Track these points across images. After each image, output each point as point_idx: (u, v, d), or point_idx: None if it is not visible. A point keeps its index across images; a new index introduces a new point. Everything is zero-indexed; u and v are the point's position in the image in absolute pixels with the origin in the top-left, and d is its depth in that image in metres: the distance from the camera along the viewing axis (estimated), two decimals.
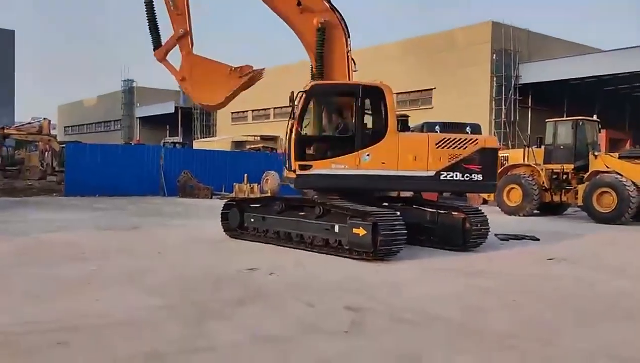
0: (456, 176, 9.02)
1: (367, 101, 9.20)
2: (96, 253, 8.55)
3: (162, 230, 11.80)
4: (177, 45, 9.70)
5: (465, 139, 9.14)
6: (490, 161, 9.30)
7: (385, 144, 9.01)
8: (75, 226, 11.89)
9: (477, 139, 9.19)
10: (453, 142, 9.08)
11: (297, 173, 9.14)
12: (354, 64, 9.93)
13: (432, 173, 9.00)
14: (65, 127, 74.50)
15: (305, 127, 9.34)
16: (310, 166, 9.10)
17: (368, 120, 9.32)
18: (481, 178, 9.07)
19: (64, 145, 26.99)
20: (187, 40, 9.64)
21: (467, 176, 9.03)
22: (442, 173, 9.01)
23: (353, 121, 9.16)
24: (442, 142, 9.07)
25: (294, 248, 9.20)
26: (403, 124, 9.64)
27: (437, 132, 9.35)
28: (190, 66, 9.75)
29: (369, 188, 9.43)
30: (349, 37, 9.80)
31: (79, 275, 6.90)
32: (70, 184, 21.46)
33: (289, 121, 9.23)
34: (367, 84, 9.24)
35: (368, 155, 8.96)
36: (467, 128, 9.54)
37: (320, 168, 9.08)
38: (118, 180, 21.70)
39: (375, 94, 9.15)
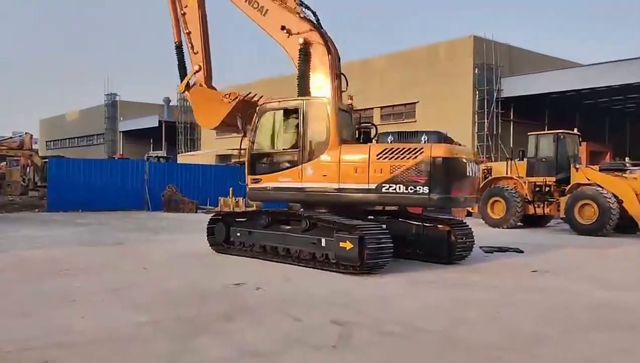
0: (399, 189, 8.43)
1: (311, 116, 9.25)
2: (80, 270, 8.46)
3: (146, 245, 11.72)
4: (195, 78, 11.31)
5: (409, 149, 8.50)
6: (439, 172, 8.34)
7: (327, 157, 9.05)
8: (58, 242, 11.76)
9: (422, 149, 8.44)
10: (395, 152, 8.56)
11: (249, 186, 9.89)
12: (346, 82, 9.96)
13: (373, 186, 8.62)
14: (47, 141, 73.73)
15: (258, 143, 9.83)
16: (260, 180, 9.74)
17: (313, 134, 9.25)
18: (427, 191, 8.31)
19: (46, 160, 26.72)
20: (201, 75, 11.19)
21: (410, 189, 8.37)
22: (383, 185, 8.53)
23: (297, 135, 9.35)
24: (384, 153, 8.64)
25: (281, 262, 9.20)
26: (365, 136, 9.77)
27: (389, 142, 9.20)
28: (197, 95, 11.34)
29: (312, 201, 9.45)
30: (335, 55, 9.82)
31: (63, 291, 6.82)
32: (52, 199, 21.24)
33: (241, 138, 10.02)
34: (309, 99, 9.41)
35: (311, 169, 9.11)
36: (423, 136, 9.06)
37: (269, 181, 9.64)
38: (101, 195, 21.53)
39: (317, 108, 9.23)
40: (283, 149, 9.61)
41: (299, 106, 9.34)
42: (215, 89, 11.29)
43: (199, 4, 11.17)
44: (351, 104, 9.93)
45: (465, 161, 8.78)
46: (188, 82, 11.37)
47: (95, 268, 8.69)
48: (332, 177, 8.93)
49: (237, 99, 10.48)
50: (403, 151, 8.52)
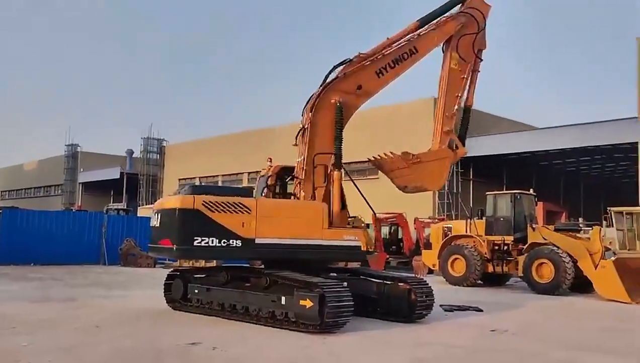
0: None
1: None
2: (28, 327, 8.10)
3: (100, 302, 11.32)
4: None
5: (168, 200, 9.34)
6: (170, 223, 8.71)
7: None
8: (7, 298, 11.27)
9: (175, 200, 8.97)
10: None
11: None
12: None
13: None
14: (2, 191, 71.70)
15: None
16: None
17: None
18: (170, 244, 8.67)
19: None
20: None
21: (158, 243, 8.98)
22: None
23: None
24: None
25: (240, 320, 9.01)
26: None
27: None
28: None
29: None
30: None
31: (9, 351, 6.50)
32: (4, 252, 20.33)
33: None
34: None
35: None
36: (184, 187, 9.55)
37: None
38: (56, 248, 20.84)
39: None
40: None
41: None
42: None
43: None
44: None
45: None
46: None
47: (45, 325, 8.34)
48: None
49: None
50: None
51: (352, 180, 10.35)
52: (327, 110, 9.84)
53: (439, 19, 10.81)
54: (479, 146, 30.91)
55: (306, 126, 9.91)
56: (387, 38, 10.41)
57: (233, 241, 8.61)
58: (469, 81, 11.22)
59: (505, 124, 32.98)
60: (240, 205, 8.77)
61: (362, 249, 9.49)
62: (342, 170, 9.86)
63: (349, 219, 9.85)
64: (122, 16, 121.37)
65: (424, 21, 10.65)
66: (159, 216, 9.09)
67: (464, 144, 11.20)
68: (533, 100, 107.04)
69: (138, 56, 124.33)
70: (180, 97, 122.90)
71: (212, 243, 8.52)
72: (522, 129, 32.49)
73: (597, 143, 27.29)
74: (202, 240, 8.48)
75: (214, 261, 18.04)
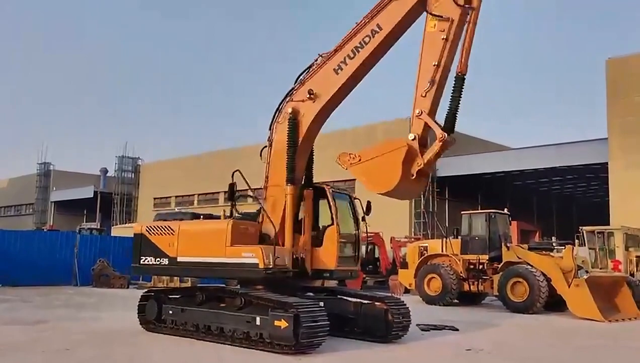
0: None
1: None
2: None
3: (71, 324, 11.05)
4: None
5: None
6: (132, 245, 10.30)
7: None
8: None
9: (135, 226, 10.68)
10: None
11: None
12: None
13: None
14: None
15: None
16: None
17: None
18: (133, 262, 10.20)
19: None
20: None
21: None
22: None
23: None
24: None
25: (214, 342, 8.88)
26: None
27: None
28: None
29: None
30: None
31: None
32: None
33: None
34: None
35: None
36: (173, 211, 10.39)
37: None
38: (27, 269, 20.24)
39: None
40: None
41: None
42: None
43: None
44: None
45: None
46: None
47: (12, 348, 8.10)
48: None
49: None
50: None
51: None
52: (285, 124, 9.48)
53: None
54: (454, 166, 31.35)
55: (268, 143, 9.78)
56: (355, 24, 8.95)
57: (163, 260, 9.76)
58: (453, 42, 8.35)
59: (479, 145, 33.48)
60: (168, 228, 9.90)
61: (260, 266, 8.63)
62: (312, 188, 9.73)
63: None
64: (99, 32, 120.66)
65: None
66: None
67: (451, 127, 8.35)
68: (507, 119, 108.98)
69: (113, 73, 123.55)
70: (156, 116, 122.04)
71: (150, 261, 9.89)
72: (496, 149, 33.02)
73: (569, 163, 27.91)
74: (146, 259, 9.98)
75: (189, 281, 17.92)
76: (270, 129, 9.86)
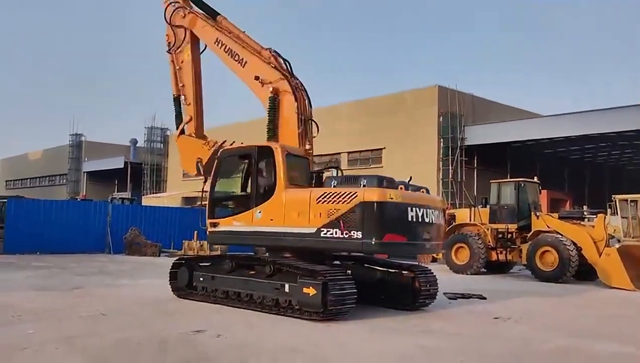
0: (335, 234, 8.25)
1: (260, 161, 9.49)
2: (34, 316, 8.15)
3: (106, 290, 11.39)
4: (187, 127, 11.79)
5: (344, 193, 8.32)
6: (371, 216, 8.09)
7: (274, 201, 9.12)
8: (13, 287, 11.34)
9: (356, 193, 8.24)
10: (332, 196, 8.39)
11: (208, 230, 10.06)
12: (317, 129, 10.19)
13: (313, 230, 8.46)
14: (7, 181, 71.91)
15: (216, 187, 10.11)
16: (217, 224, 9.94)
17: (262, 179, 9.47)
18: (360, 236, 8.08)
19: (4, 200, 25.96)
20: (192, 124, 11.71)
21: (345, 234, 8.16)
22: (322, 229, 8.37)
23: (250, 180, 9.67)
24: (322, 197, 8.48)
25: (244, 308, 9.05)
26: (318, 179, 9.69)
27: (332, 186, 8.88)
28: (183, 143, 11.80)
29: (261, 245, 10.07)
30: (302, 102, 10.06)
31: (14, 339, 6.55)
32: (9, 241, 20.48)
33: (203, 183, 10.41)
34: (261, 145, 9.62)
35: (260, 212, 9.24)
36: (362, 180, 8.70)
37: (225, 225, 9.82)
38: (62, 237, 20.94)
39: (267, 154, 9.40)
40: (237, 193, 10.03)
41: (251, 152, 9.65)
42: (206, 138, 11.48)
43: (193, 60, 11.78)
44: (310, 149, 10.05)
45: (405, 204, 8.46)
46: (183, 131, 11.81)
47: (51, 314, 8.39)
48: (279, 220, 8.96)
49: (214, 147, 10.86)
50: (339, 195, 8.35)
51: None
52: None
53: None
54: (483, 134, 30.90)
55: None
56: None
57: None
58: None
59: (509, 112, 32.86)
60: None
61: None
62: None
63: None
64: (127, 5, 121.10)
65: None
66: None
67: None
68: (538, 87, 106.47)
69: (140, 46, 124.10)
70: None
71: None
72: (526, 117, 32.35)
73: (602, 131, 27.18)
74: None
75: (219, 249, 18.22)
76: None
